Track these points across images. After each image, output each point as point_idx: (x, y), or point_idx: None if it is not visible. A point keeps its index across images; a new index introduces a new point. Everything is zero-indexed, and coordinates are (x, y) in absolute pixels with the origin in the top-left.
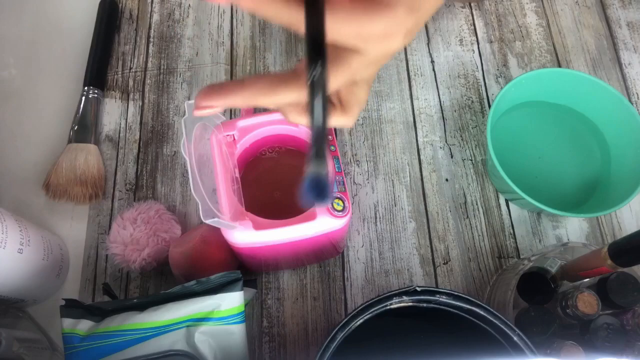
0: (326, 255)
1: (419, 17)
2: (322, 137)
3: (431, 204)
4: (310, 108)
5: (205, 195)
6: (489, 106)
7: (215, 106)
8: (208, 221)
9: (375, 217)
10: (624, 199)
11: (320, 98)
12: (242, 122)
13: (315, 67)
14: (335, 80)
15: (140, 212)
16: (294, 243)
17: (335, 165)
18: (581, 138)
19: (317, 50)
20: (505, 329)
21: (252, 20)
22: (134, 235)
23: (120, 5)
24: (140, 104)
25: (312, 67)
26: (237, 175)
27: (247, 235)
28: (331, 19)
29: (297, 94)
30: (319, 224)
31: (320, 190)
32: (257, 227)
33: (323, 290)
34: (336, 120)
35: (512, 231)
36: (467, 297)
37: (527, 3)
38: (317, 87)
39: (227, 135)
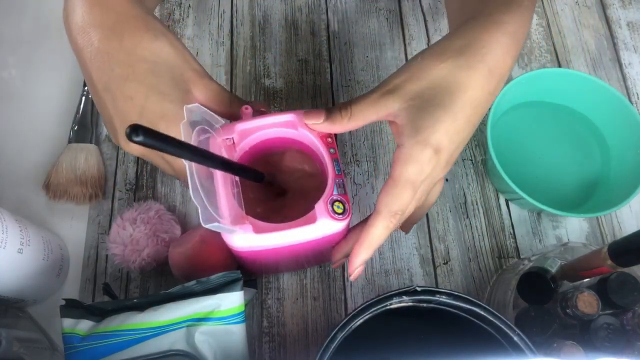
0: (327, 258)
1: None
2: None
3: None
4: None
5: (205, 200)
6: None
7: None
8: (208, 226)
9: None
10: (624, 199)
11: None
12: (242, 126)
13: None
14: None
15: (140, 213)
16: (294, 246)
17: (336, 168)
18: (581, 138)
19: None
20: (505, 329)
21: (252, 20)
22: (134, 236)
23: None
24: None
25: None
26: (237, 178)
27: (247, 239)
28: None
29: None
30: (320, 227)
31: None
32: (258, 230)
33: (323, 290)
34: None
35: (512, 231)
36: (467, 297)
37: None
38: None
39: (227, 138)
